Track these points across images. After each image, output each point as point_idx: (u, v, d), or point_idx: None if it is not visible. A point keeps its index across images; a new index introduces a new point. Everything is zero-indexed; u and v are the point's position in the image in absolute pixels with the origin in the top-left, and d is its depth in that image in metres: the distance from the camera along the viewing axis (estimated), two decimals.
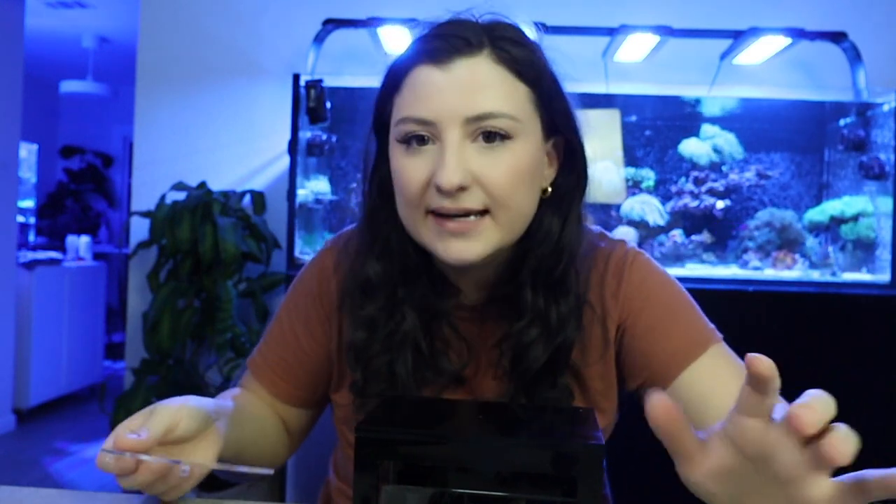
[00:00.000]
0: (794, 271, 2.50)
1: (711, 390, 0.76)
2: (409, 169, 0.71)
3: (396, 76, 0.74)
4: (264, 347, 0.91)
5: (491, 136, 0.69)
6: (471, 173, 0.69)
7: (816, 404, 0.44)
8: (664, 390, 0.77)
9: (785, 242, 2.57)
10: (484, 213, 0.70)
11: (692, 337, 0.79)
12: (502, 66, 0.71)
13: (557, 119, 0.74)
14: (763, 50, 2.54)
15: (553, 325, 0.75)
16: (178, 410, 0.65)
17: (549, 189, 0.77)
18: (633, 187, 2.67)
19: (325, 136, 2.65)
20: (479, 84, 0.69)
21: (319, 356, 0.88)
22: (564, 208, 0.77)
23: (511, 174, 0.69)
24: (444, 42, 0.71)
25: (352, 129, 2.80)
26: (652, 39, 2.48)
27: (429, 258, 0.80)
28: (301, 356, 0.88)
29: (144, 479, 0.62)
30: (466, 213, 0.69)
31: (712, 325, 0.82)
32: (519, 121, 0.70)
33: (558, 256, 0.75)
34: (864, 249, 2.54)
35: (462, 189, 0.68)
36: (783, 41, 2.48)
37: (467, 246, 0.70)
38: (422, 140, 0.70)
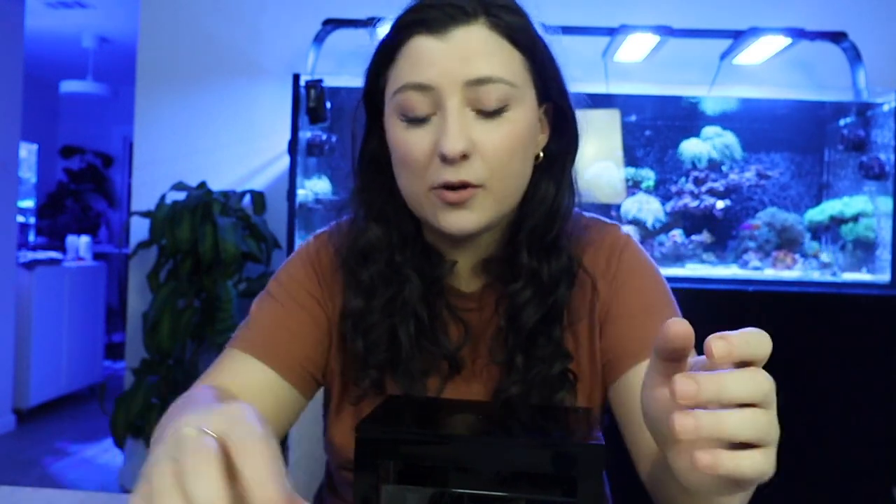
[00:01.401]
0: (794, 271, 2.50)
1: None
2: (412, 141, 0.71)
3: (390, 49, 0.74)
4: (256, 325, 0.82)
5: (491, 112, 0.71)
6: (472, 141, 0.70)
7: (735, 338, 0.42)
8: (618, 378, 0.79)
9: (785, 242, 2.57)
10: (479, 186, 0.71)
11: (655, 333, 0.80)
12: (498, 34, 0.72)
13: (550, 85, 0.76)
14: (763, 50, 2.54)
15: (546, 285, 0.77)
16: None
17: (541, 155, 0.78)
18: (633, 187, 2.67)
19: (325, 136, 2.65)
20: (477, 50, 0.70)
21: (318, 340, 0.82)
22: (557, 173, 0.78)
23: (509, 143, 0.71)
24: (440, 12, 0.71)
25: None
26: (652, 39, 2.48)
27: (421, 231, 0.81)
28: (308, 325, 0.81)
29: None
30: (465, 185, 0.70)
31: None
32: (516, 86, 0.71)
33: (552, 219, 0.77)
34: (864, 249, 2.54)
35: (465, 157, 0.69)
36: (783, 41, 2.48)
37: (464, 216, 0.71)
38: (423, 116, 0.71)
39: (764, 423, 0.42)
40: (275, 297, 0.84)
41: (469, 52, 0.70)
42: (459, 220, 0.72)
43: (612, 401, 0.82)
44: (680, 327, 0.45)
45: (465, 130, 0.69)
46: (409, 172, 0.73)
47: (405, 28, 0.73)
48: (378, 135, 0.78)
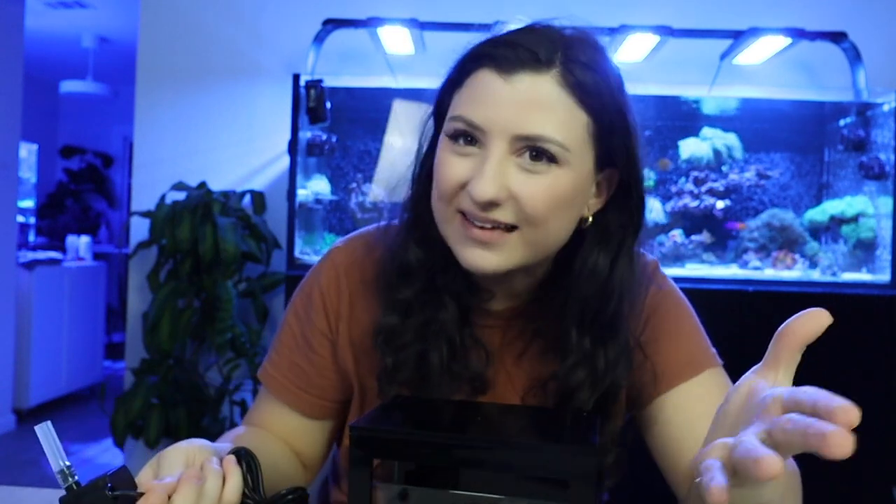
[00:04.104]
0: (794, 271, 2.50)
1: (690, 421, 0.75)
2: (450, 166, 0.69)
3: (460, 72, 0.72)
4: (275, 356, 0.86)
5: (538, 156, 0.67)
6: (507, 189, 0.67)
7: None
8: (649, 404, 0.78)
9: (785, 242, 2.57)
10: (513, 228, 0.68)
11: (688, 357, 0.79)
12: (566, 91, 0.67)
13: (615, 153, 0.71)
14: (763, 50, 2.54)
15: (600, 369, 0.73)
16: (188, 447, 0.61)
17: (591, 219, 0.73)
18: None
19: (325, 136, 2.65)
20: (538, 104, 0.67)
21: (333, 357, 0.85)
22: (613, 246, 0.74)
23: (548, 198, 0.67)
24: (512, 52, 0.68)
25: (352, 129, 2.80)
26: (652, 39, 2.48)
27: None
28: (315, 359, 0.84)
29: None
30: (494, 225, 0.68)
31: (713, 350, 0.82)
32: (569, 150, 0.67)
33: (607, 298, 0.72)
34: (864, 249, 2.54)
35: (494, 204, 0.67)
36: (783, 41, 2.48)
37: (486, 256, 0.68)
38: (470, 140, 0.69)
39: None
40: (293, 332, 0.85)
41: (529, 104, 0.66)
42: (480, 260, 0.68)
43: (644, 424, 0.80)
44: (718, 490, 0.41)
45: (500, 178, 0.66)
46: (440, 194, 0.71)
47: (476, 58, 0.70)
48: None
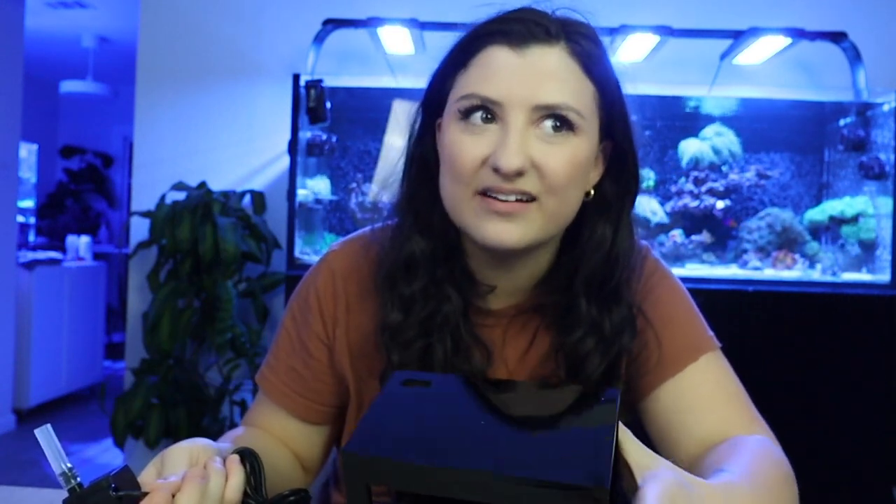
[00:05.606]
0: (794, 271, 2.50)
1: (690, 407, 0.76)
2: (466, 145, 0.69)
3: (464, 53, 0.72)
4: (273, 361, 0.86)
5: (558, 127, 0.69)
6: (531, 159, 0.68)
7: None
8: (647, 395, 0.79)
9: (785, 242, 2.57)
10: (532, 199, 0.69)
11: (683, 344, 0.79)
12: (575, 61, 0.70)
13: (615, 123, 0.73)
14: (763, 50, 2.54)
15: (607, 335, 0.75)
16: (191, 446, 0.61)
17: (592, 192, 0.75)
18: None
19: (325, 136, 2.65)
20: (552, 74, 0.69)
21: (330, 362, 0.85)
22: (614, 216, 0.76)
23: (570, 165, 0.69)
24: (523, 26, 0.70)
25: (352, 129, 2.80)
26: (652, 39, 2.48)
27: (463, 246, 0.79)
28: (312, 363, 0.84)
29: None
30: (518, 195, 0.68)
31: (710, 333, 0.82)
32: (584, 118, 0.70)
33: (612, 266, 0.75)
34: (864, 249, 2.54)
35: (520, 174, 0.67)
36: (783, 41, 2.48)
37: (509, 229, 0.69)
38: (484, 117, 0.69)
39: None
40: (290, 336, 0.85)
41: (543, 75, 0.68)
42: (503, 233, 0.69)
43: (642, 416, 0.81)
44: None
45: (524, 148, 0.67)
46: (456, 176, 0.70)
47: (483, 37, 0.71)
48: (432, 139, 0.77)
